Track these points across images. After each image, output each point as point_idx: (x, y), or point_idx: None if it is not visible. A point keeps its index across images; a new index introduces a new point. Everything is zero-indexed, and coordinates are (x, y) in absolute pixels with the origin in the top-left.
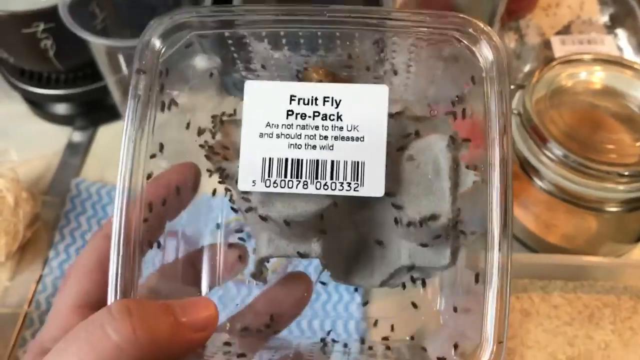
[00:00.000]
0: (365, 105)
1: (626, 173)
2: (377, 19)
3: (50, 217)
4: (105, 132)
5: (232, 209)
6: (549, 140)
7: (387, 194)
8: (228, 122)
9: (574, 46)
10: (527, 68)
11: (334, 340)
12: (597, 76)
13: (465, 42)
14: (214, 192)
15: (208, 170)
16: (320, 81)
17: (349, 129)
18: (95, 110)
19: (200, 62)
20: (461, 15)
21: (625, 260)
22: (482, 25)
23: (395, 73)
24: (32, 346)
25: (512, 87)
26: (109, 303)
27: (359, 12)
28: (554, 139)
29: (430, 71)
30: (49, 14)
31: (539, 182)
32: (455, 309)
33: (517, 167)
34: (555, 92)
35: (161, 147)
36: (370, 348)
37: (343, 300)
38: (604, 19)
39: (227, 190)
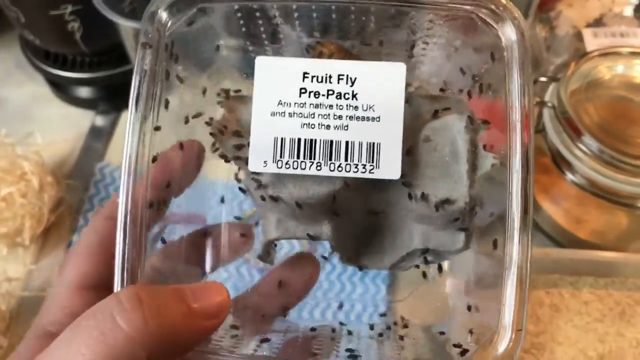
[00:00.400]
0: (382, 84)
1: None
2: None
3: (74, 201)
4: None
5: (240, 189)
6: (584, 133)
7: (402, 176)
8: (234, 99)
9: (606, 39)
10: (558, 60)
11: (341, 324)
12: (636, 70)
13: (487, 19)
14: (217, 162)
15: (213, 145)
16: (332, 56)
17: (365, 108)
18: (119, 94)
19: (208, 35)
20: None
21: None
22: (504, 1)
23: (412, 49)
24: (32, 329)
25: (544, 79)
26: (115, 285)
27: None
28: (588, 132)
29: (448, 48)
30: None
31: (570, 176)
32: (470, 298)
33: (549, 160)
34: (591, 85)
35: (166, 105)
36: (380, 335)
37: (369, 292)
38: (637, 12)
39: (239, 169)
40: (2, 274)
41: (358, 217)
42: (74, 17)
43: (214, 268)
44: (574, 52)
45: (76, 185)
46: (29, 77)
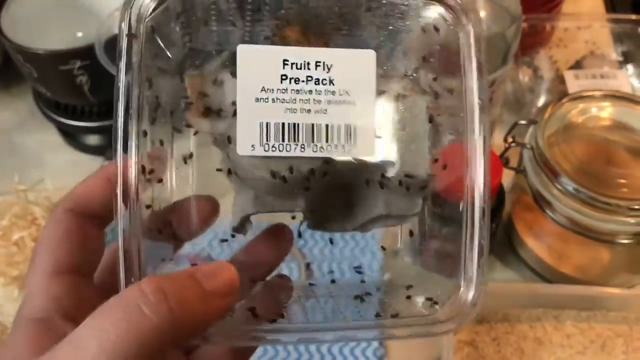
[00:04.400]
0: (355, 70)
1: (637, 207)
2: None
3: None
4: None
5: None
6: (561, 174)
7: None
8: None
9: (587, 81)
10: (540, 102)
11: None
12: (608, 112)
13: (444, 11)
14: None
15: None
16: (298, 41)
17: (341, 93)
18: None
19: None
20: None
21: (638, 291)
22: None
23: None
24: (18, 321)
25: (523, 122)
26: (120, 270)
27: None
28: (565, 174)
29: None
30: (85, 52)
31: (551, 215)
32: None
33: (531, 199)
34: (567, 127)
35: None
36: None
37: None
38: (617, 54)
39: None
40: (14, 316)
41: (329, 189)
42: (82, 72)
43: (184, 241)
44: (558, 93)
45: None
46: (41, 125)
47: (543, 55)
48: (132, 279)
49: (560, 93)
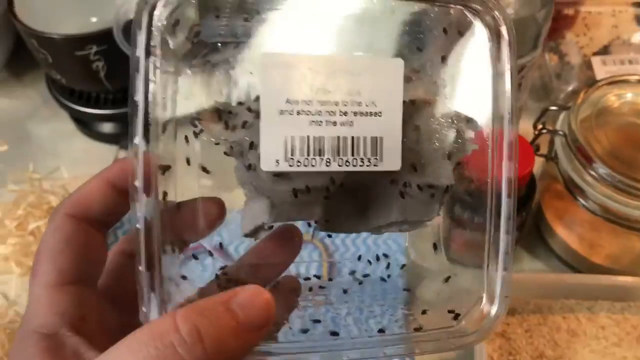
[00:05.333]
0: (382, 80)
1: None
2: None
3: None
4: None
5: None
6: (595, 160)
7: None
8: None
9: (615, 66)
10: (568, 88)
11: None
12: None
13: (468, 12)
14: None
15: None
16: None
17: (367, 104)
18: None
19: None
20: None
21: None
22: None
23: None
24: (22, 336)
25: (554, 108)
26: (142, 287)
27: None
28: (599, 159)
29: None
30: (102, 37)
31: (583, 202)
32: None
33: (562, 187)
34: (601, 112)
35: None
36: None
37: None
38: None
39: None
40: None
41: (347, 198)
42: (98, 57)
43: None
44: (585, 80)
45: None
46: (55, 113)
47: (569, 41)
48: (155, 283)
49: (587, 79)
